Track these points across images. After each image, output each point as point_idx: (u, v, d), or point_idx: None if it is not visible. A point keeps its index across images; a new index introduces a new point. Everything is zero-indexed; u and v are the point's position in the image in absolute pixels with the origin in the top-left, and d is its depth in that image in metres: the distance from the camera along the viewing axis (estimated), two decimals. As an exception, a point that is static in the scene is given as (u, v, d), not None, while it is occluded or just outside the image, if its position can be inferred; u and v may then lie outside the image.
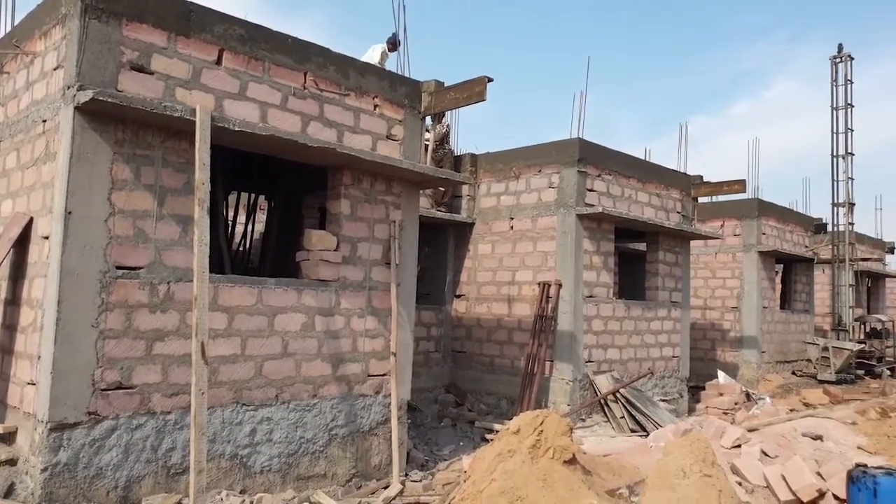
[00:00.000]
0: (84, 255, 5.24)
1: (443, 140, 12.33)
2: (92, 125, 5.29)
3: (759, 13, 72.93)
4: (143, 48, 5.56)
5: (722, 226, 15.98)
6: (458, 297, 12.03)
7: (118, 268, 5.43)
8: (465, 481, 6.06)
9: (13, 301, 5.90)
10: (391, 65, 12.09)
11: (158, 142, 5.66)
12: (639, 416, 9.91)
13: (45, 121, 5.64)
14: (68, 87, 5.24)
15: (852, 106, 16.95)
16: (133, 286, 5.50)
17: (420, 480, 7.12)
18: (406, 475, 7.18)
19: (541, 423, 5.63)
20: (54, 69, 5.57)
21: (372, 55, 12.11)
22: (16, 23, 6.71)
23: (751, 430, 9.13)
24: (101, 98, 5.01)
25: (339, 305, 6.90)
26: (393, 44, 12.26)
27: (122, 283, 5.44)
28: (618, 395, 10.18)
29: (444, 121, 12.46)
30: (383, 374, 7.24)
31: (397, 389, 7.21)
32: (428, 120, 10.69)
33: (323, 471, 6.72)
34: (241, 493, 6.05)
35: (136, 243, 5.53)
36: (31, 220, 5.72)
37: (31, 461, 5.18)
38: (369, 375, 7.14)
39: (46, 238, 5.38)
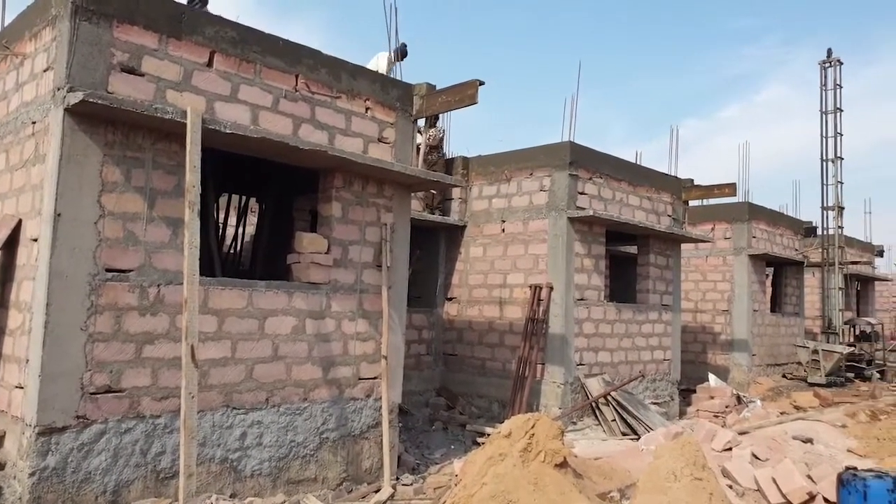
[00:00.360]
0: (73, 257, 5.21)
1: (438, 145, 12.32)
2: (82, 127, 5.25)
3: (750, 17, 73.40)
4: (133, 50, 5.53)
5: (712, 229, 16.05)
6: (450, 299, 12.03)
7: (108, 270, 5.39)
8: (456, 485, 6.06)
9: (1, 304, 5.85)
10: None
11: (149, 144, 5.63)
12: (630, 420, 9.92)
13: (34, 122, 5.61)
14: (58, 89, 5.20)
15: (841, 110, 17.07)
16: (123, 289, 5.47)
17: (411, 484, 7.10)
18: (397, 479, 7.16)
19: (532, 427, 5.62)
20: (44, 71, 5.53)
21: (378, 63, 12.00)
22: (6, 24, 6.67)
23: (741, 433, 9.16)
24: (91, 100, 4.98)
25: (330, 308, 6.88)
26: (401, 53, 12.19)
27: (111, 286, 5.40)
28: (609, 398, 10.20)
29: (438, 124, 12.45)
30: (374, 378, 7.22)
31: (388, 393, 7.19)
32: (420, 122, 10.70)
33: (314, 475, 6.70)
34: (231, 497, 6.02)
35: (126, 246, 5.50)
36: (19, 222, 5.67)
37: (19, 465, 5.14)
38: (360, 379, 7.13)
39: (35, 240, 5.34)
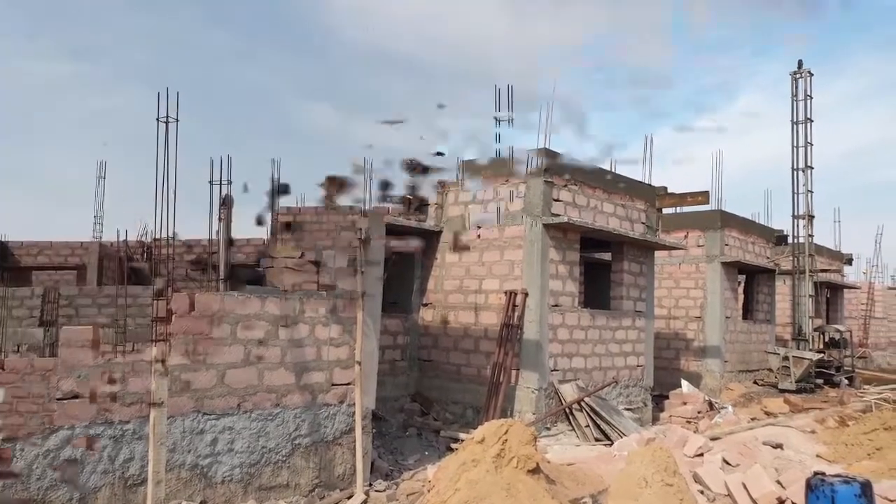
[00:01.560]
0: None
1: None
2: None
3: (724, 28, 74.56)
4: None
5: (686, 236, 16.22)
6: (425, 305, 12.00)
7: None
8: (429, 491, 6.04)
9: None
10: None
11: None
12: (603, 425, 9.97)
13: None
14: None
15: (811, 120, 17.36)
16: (91, 293, 5.37)
17: (384, 490, 7.07)
18: (370, 485, 7.12)
19: (505, 433, 5.63)
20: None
21: None
22: None
23: (713, 439, 9.26)
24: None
25: (304, 314, 6.83)
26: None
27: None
28: (583, 403, 10.24)
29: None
30: (348, 383, 7.18)
31: (362, 398, 7.15)
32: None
33: (286, 481, 6.63)
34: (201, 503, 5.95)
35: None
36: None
37: (-18, 473, 5.02)
38: (333, 384, 7.08)
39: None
